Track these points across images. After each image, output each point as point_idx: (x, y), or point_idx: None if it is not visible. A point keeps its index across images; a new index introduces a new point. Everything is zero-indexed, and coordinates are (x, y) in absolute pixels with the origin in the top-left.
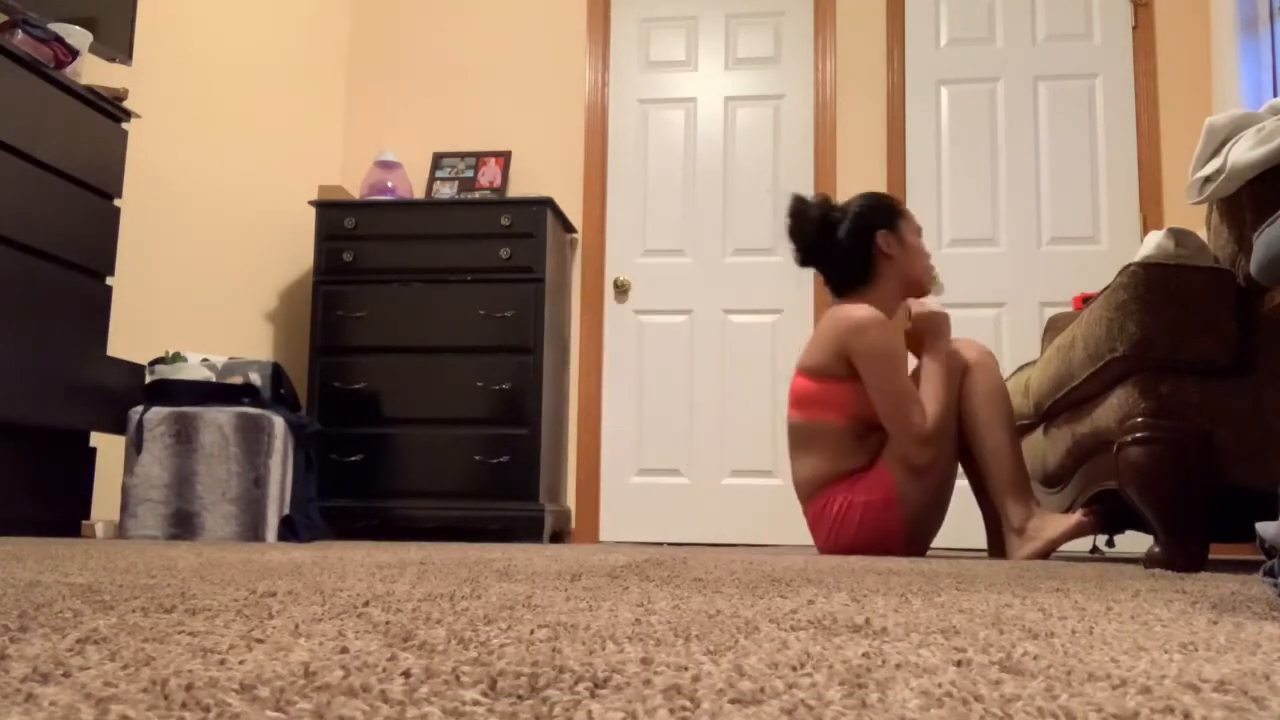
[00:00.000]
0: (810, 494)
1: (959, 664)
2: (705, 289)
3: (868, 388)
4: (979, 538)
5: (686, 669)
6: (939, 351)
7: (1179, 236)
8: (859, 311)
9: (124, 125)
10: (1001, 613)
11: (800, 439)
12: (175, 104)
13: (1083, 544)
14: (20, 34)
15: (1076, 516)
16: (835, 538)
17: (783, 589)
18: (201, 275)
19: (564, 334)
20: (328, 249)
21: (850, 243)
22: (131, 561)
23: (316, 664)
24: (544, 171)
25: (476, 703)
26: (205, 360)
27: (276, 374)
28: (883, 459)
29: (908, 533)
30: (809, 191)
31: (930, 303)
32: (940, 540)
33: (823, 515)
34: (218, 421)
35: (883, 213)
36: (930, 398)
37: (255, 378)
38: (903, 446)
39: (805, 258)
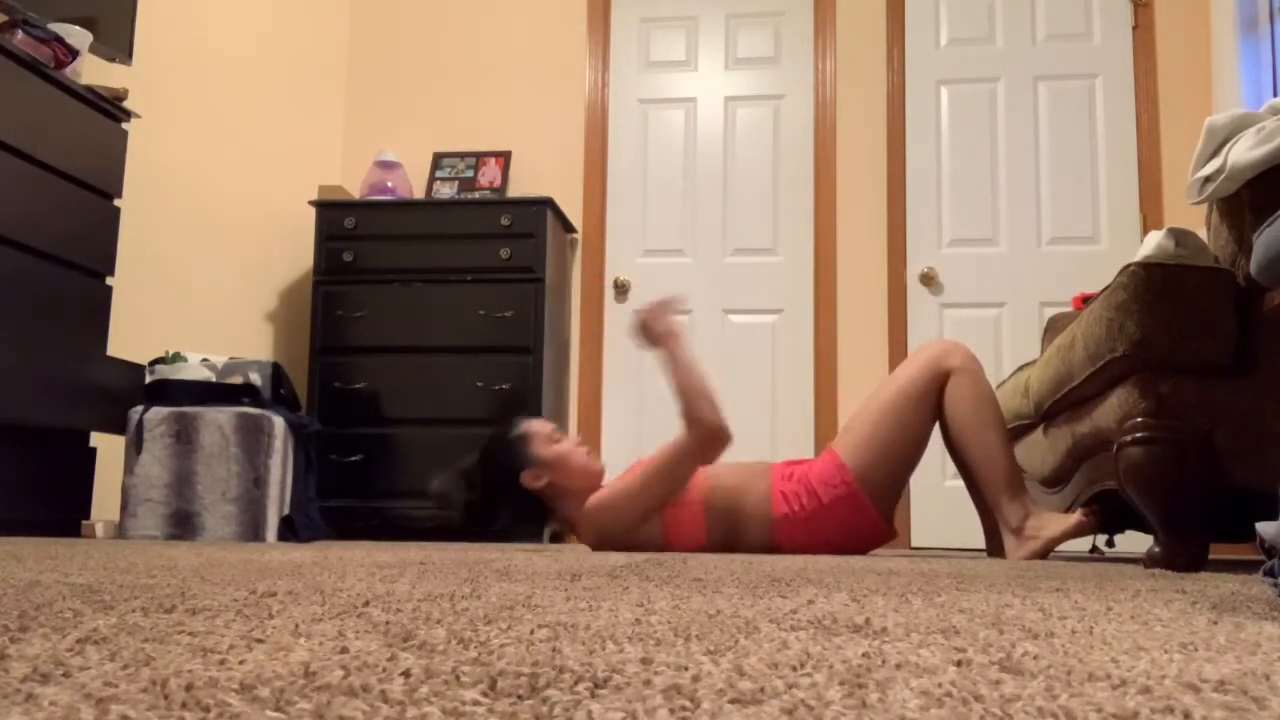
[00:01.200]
0: (771, 527)
1: (959, 664)
2: (705, 289)
3: (639, 508)
4: (979, 537)
5: (686, 669)
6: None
7: (1179, 236)
8: (581, 529)
9: (124, 125)
10: (1001, 613)
11: (718, 540)
12: (175, 104)
13: (1083, 544)
14: (20, 34)
15: (1076, 516)
16: (809, 518)
17: (783, 589)
18: (201, 275)
19: (564, 334)
20: (328, 249)
21: (506, 500)
22: (131, 561)
23: (316, 664)
24: (544, 171)
25: (476, 703)
26: (205, 360)
27: (276, 374)
28: (831, 451)
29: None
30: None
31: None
32: (940, 540)
33: (793, 524)
34: (218, 421)
35: (509, 458)
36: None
37: (255, 378)
38: (703, 452)
39: (476, 524)
